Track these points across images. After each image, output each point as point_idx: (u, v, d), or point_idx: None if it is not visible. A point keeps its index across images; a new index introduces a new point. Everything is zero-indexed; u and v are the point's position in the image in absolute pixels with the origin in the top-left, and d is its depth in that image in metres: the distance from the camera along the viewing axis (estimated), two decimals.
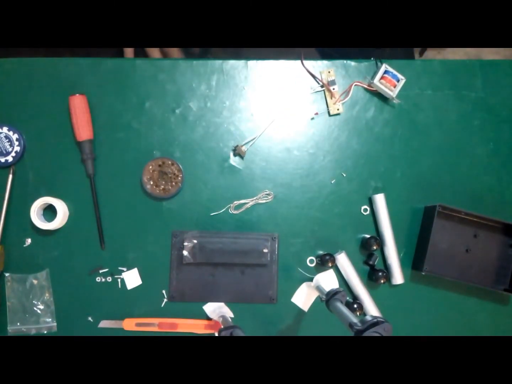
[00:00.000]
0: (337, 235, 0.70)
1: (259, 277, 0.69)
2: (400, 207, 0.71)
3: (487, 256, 0.71)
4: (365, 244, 0.69)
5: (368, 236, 0.69)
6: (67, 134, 0.69)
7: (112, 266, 0.69)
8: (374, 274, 0.68)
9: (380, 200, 0.69)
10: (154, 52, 0.77)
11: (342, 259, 0.69)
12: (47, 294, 0.68)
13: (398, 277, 0.69)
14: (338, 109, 0.71)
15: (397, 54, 0.72)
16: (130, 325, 0.68)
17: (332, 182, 0.71)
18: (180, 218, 0.70)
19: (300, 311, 0.70)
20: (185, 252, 0.68)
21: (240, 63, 0.71)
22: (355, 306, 0.65)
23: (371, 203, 0.70)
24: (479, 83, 0.72)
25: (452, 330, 0.71)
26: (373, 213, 0.70)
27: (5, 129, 0.68)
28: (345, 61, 0.71)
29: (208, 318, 0.69)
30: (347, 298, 0.61)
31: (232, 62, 0.71)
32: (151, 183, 0.68)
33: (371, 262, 0.69)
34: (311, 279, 0.69)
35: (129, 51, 0.76)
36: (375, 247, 0.68)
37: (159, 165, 0.68)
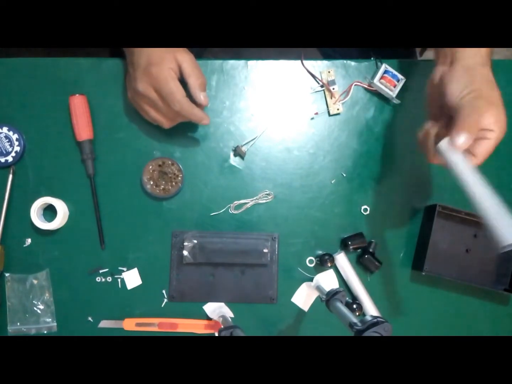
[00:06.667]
0: (337, 235, 0.70)
1: (259, 277, 0.69)
2: (400, 207, 0.71)
3: (487, 256, 0.71)
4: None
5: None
6: (67, 134, 0.69)
7: (112, 266, 0.69)
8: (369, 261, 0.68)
9: (342, 259, 0.69)
10: None
11: (341, 259, 0.69)
12: (47, 294, 0.68)
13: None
14: (338, 109, 0.71)
15: (398, 54, 0.72)
16: (130, 325, 0.68)
17: (332, 182, 0.71)
18: (180, 218, 0.70)
19: (300, 311, 0.70)
20: (185, 252, 0.68)
21: (240, 63, 0.71)
22: (355, 306, 0.65)
23: (371, 203, 0.70)
24: None
25: (452, 330, 0.71)
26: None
27: (5, 129, 0.68)
28: (345, 61, 0.71)
29: (208, 318, 0.69)
30: (347, 298, 0.61)
31: (232, 62, 0.71)
32: (151, 183, 0.68)
33: (371, 250, 0.69)
34: (311, 279, 0.69)
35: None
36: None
37: (159, 165, 0.68)
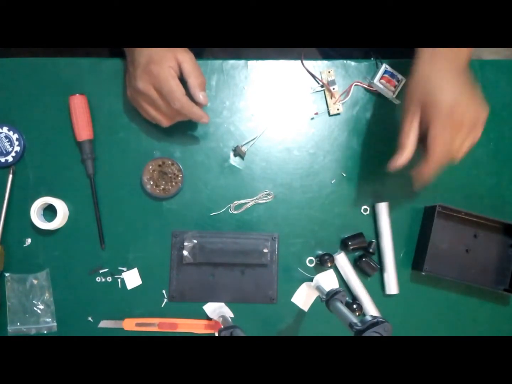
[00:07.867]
0: (337, 235, 0.70)
1: (259, 277, 0.69)
2: (400, 207, 0.71)
3: (487, 256, 0.71)
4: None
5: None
6: (67, 134, 0.69)
7: (112, 266, 0.69)
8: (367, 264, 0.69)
9: (383, 208, 0.69)
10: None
11: (341, 259, 0.69)
12: (47, 294, 0.68)
13: (393, 287, 0.69)
14: (338, 109, 0.71)
15: (398, 54, 0.72)
16: (130, 325, 0.68)
17: (332, 182, 0.71)
18: (180, 218, 0.70)
19: (300, 311, 0.70)
20: (185, 252, 0.68)
21: (240, 63, 0.71)
22: (355, 306, 0.65)
23: (371, 203, 0.70)
24: (479, 83, 0.72)
25: (452, 330, 0.71)
26: (375, 220, 0.70)
27: (5, 129, 0.68)
28: (345, 61, 0.71)
29: (208, 318, 0.69)
30: (347, 298, 0.61)
31: (232, 62, 0.71)
32: (151, 183, 0.68)
33: (371, 250, 0.69)
34: (311, 279, 0.69)
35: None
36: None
37: (159, 165, 0.68)
